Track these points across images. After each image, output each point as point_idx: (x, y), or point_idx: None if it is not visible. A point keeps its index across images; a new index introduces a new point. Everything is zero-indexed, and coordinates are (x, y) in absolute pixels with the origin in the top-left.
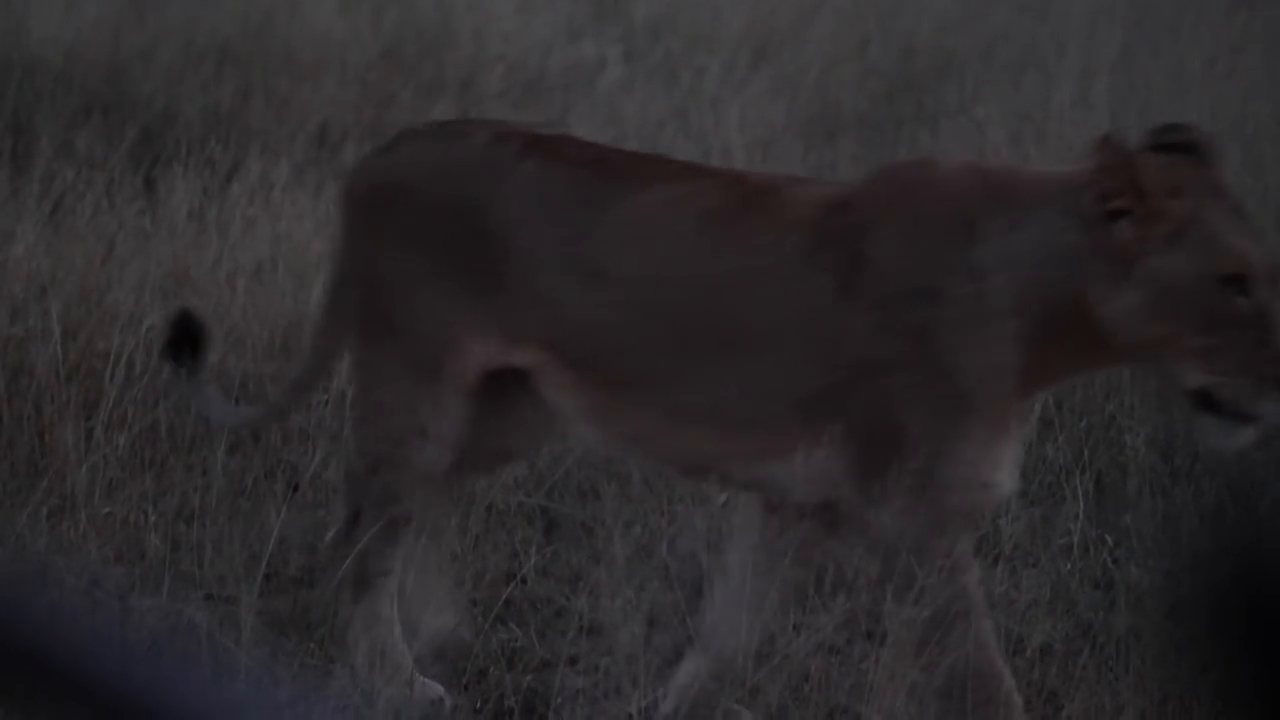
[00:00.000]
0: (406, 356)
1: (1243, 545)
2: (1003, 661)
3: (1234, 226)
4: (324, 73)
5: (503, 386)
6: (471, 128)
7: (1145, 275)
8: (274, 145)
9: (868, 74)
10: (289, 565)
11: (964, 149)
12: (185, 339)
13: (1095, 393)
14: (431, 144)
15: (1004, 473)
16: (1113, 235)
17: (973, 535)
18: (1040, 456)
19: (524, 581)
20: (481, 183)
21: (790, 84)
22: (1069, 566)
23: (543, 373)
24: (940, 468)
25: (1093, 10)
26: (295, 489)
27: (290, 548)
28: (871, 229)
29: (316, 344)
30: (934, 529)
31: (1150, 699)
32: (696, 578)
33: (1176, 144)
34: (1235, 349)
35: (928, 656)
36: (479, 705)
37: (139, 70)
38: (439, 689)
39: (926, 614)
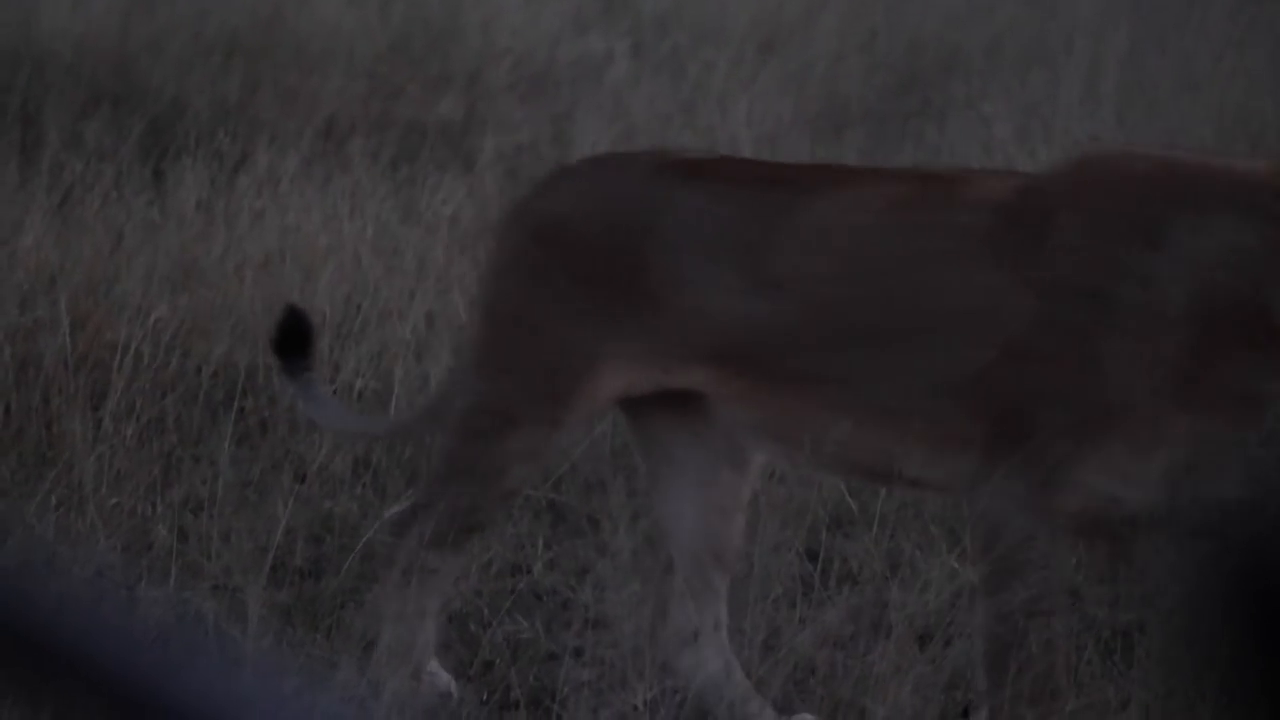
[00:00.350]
0: (537, 387)
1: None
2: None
3: None
4: (332, 65)
5: None
6: (630, 160)
7: None
8: (282, 137)
9: (875, 68)
10: (296, 556)
11: (970, 144)
12: (293, 337)
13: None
14: (591, 179)
15: (1141, 489)
16: None
17: (1104, 548)
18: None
19: (530, 574)
20: (644, 211)
21: (797, 78)
22: (1074, 561)
23: (715, 390)
24: (1064, 468)
25: (1100, 6)
26: (303, 480)
27: (297, 539)
28: (1056, 217)
29: (461, 377)
30: (1039, 526)
31: (1156, 693)
32: None
33: None
34: None
35: (933, 650)
36: (485, 697)
37: (148, 62)
38: (447, 678)
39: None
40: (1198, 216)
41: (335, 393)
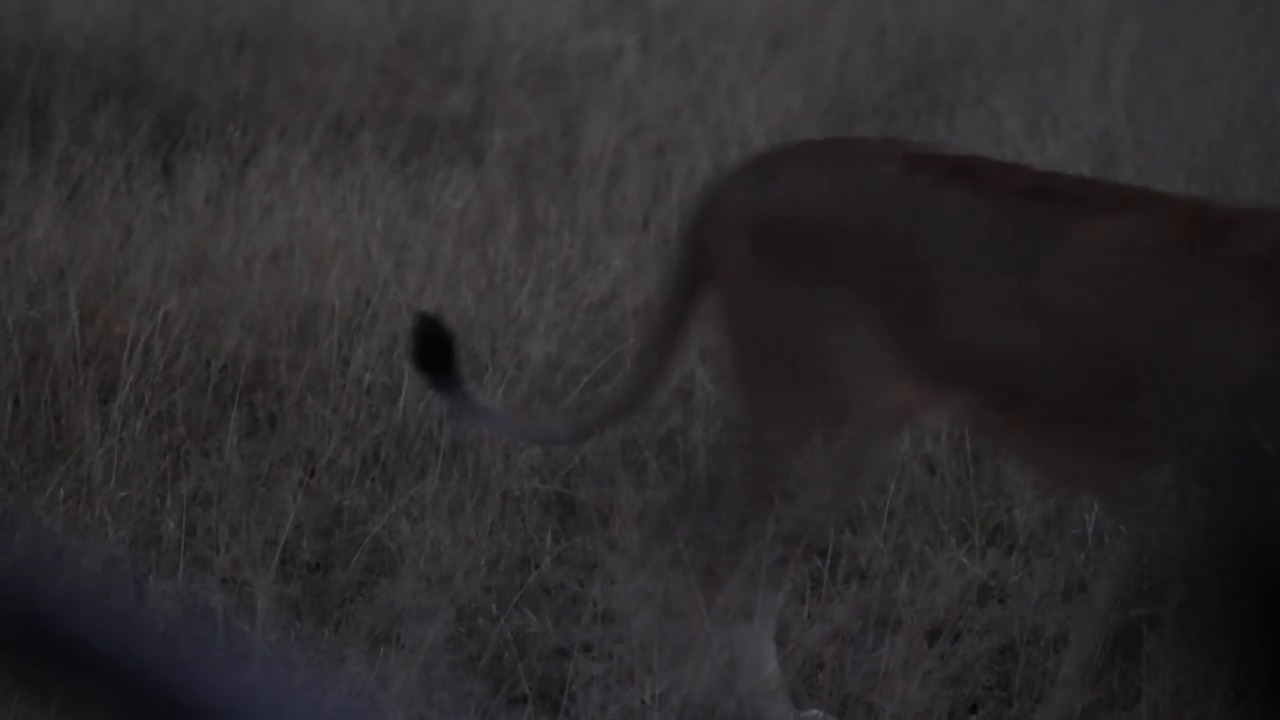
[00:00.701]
0: (812, 399)
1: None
2: None
3: None
4: (341, 59)
5: None
6: (867, 150)
7: None
8: (291, 131)
9: (885, 63)
10: (305, 550)
11: (980, 139)
12: (433, 349)
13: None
14: (829, 171)
15: None
16: None
17: None
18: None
19: (539, 568)
20: (901, 214)
21: (807, 72)
22: (1083, 557)
23: (972, 417)
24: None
25: (1110, 1)
26: (312, 474)
27: (306, 533)
28: None
29: (644, 372)
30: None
31: (1165, 688)
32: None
33: None
34: None
35: (942, 646)
36: (494, 692)
37: (157, 55)
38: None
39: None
40: None
41: (344, 387)
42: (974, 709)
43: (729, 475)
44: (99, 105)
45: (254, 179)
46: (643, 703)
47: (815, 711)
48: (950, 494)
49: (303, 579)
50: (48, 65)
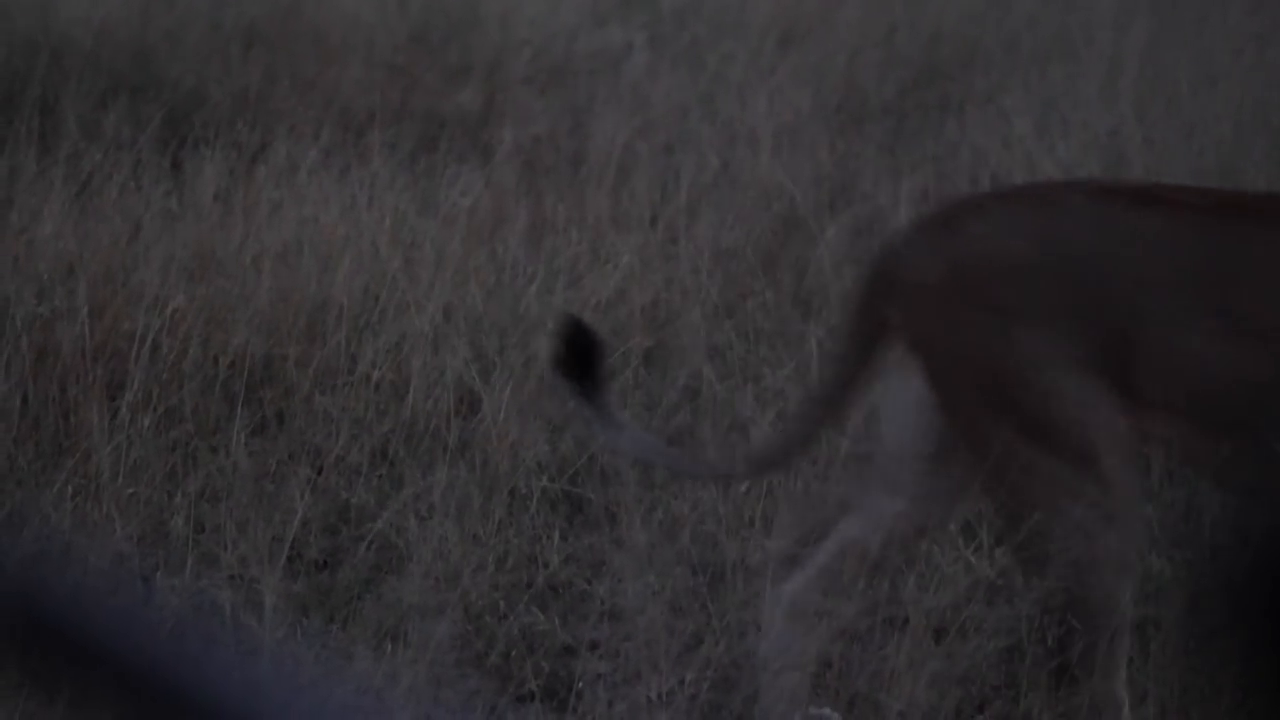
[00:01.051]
0: (1064, 442)
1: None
2: None
3: None
4: (351, 56)
5: None
6: (1046, 191)
7: None
8: (300, 128)
9: (894, 62)
10: (312, 547)
11: (990, 138)
12: (579, 354)
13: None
14: (1016, 214)
15: None
16: None
17: None
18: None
19: (546, 566)
20: (1100, 244)
21: (816, 71)
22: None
23: (1181, 445)
24: None
25: (1120, 1)
26: (319, 471)
27: (313, 530)
28: None
29: (807, 427)
30: None
31: (1171, 689)
32: (718, 563)
33: None
34: None
35: (949, 644)
36: (501, 689)
37: (166, 52)
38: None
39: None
40: None
41: (352, 384)
42: (981, 708)
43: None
44: (108, 102)
45: (263, 176)
46: (649, 700)
47: (825, 709)
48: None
49: (310, 576)
50: (57, 61)
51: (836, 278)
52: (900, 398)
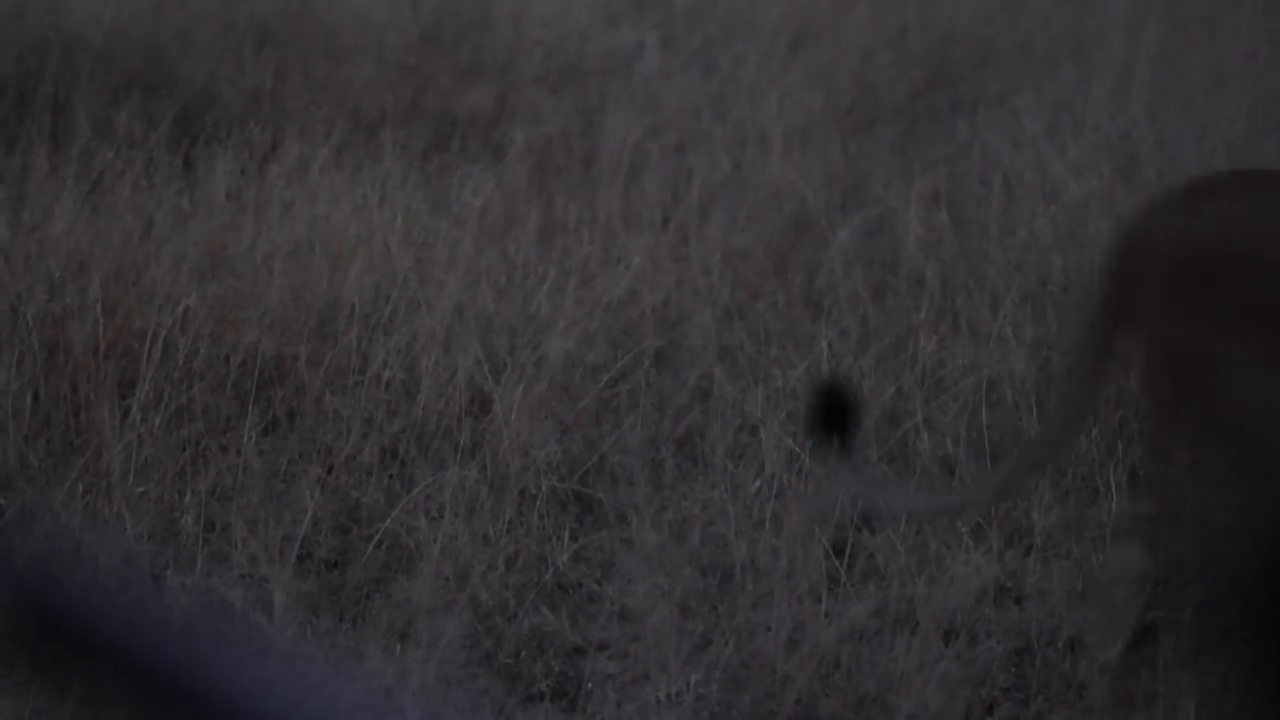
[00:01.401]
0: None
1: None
2: None
3: None
4: (362, 55)
5: None
6: (1268, 177)
7: None
8: (312, 127)
9: (906, 63)
10: (322, 546)
11: (1001, 139)
12: (835, 412)
13: (1130, 385)
14: (1243, 203)
15: None
16: None
17: None
18: (1074, 449)
19: (556, 566)
20: None
21: (828, 72)
22: (1101, 559)
23: None
24: None
25: (1132, 1)
26: (330, 470)
27: (324, 529)
28: None
29: (1066, 418)
30: None
31: (1182, 691)
32: (728, 564)
33: None
34: None
35: (959, 646)
36: (510, 689)
37: (178, 50)
38: None
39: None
40: None
41: (364, 383)
42: (990, 710)
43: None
44: (120, 100)
45: (274, 175)
46: (658, 700)
47: None
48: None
49: (320, 575)
50: (69, 59)
51: (847, 279)
52: None
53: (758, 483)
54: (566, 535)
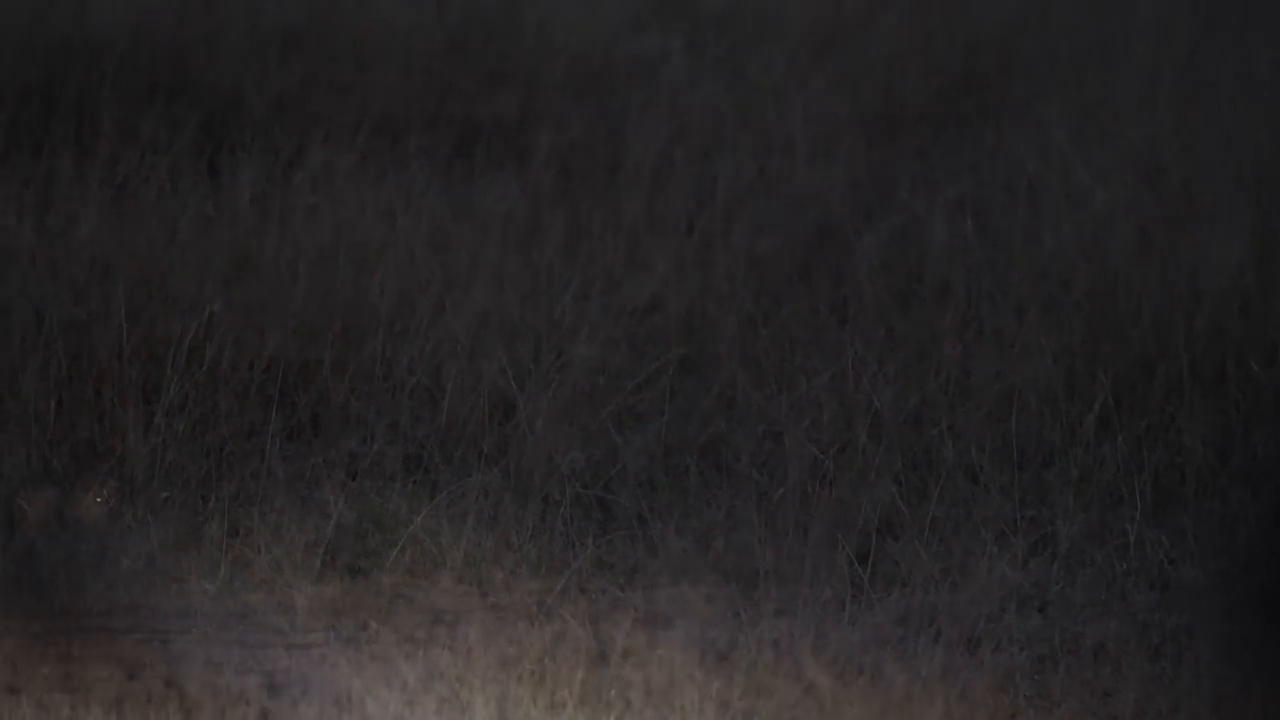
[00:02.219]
0: None
1: None
2: None
3: None
4: (388, 61)
5: None
6: None
7: None
8: (337, 133)
9: (932, 70)
10: (346, 552)
11: (1027, 146)
12: None
13: (1154, 392)
14: None
15: None
16: None
17: None
18: (1098, 456)
19: (579, 572)
20: None
21: (854, 79)
22: (1125, 566)
23: None
24: None
25: (1160, 9)
26: (354, 476)
27: (347, 535)
28: None
29: None
30: None
31: (1205, 700)
32: (751, 571)
33: None
34: None
35: (982, 654)
36: (533, 696)
37: (204, 55)
38: None
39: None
40: None
41: (391, 390)
42: (1014, 718)
43: None
44: (145, 105)
45: (299, 180)
46: (682, 708)
47: None
48: (993, 502)
49: (343, 580)
50: (94, 64)
51: (872, 285)
52: None
53: (781, 490)
54: (590, 541)
